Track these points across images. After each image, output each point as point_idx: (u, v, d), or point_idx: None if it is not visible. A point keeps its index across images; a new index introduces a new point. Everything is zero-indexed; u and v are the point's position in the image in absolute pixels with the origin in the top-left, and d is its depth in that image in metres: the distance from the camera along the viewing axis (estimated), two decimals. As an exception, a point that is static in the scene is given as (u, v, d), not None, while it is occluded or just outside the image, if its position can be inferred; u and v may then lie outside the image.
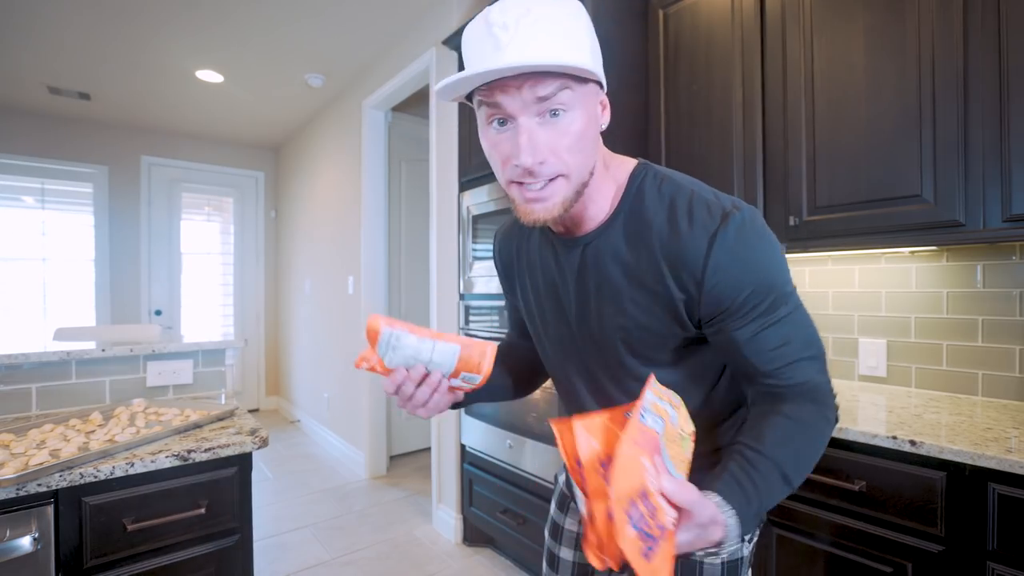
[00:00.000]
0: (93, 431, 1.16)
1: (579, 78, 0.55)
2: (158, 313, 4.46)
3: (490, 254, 2.13)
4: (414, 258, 3.71)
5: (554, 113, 0.55)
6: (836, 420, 0.62)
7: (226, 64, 3.18)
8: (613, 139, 1.76)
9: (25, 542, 0.93)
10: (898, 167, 1.30)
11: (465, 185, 2.34)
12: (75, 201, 4.13)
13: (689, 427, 0.57)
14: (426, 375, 0.63)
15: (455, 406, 0.72)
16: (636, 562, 0.42)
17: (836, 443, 1.17)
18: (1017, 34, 1.13)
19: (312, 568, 2.20)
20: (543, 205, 0.58)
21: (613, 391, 0.72)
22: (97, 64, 3.14)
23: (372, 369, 0.62)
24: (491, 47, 0.53)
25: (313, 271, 4.20)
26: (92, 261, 4.19)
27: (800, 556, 1.21)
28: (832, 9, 1.41)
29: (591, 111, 0.59)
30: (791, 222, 1.49)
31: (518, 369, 0.88)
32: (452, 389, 0.67)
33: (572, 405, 0.79)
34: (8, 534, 0.91)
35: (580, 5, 0.58)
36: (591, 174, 0.61)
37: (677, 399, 0.58)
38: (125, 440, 1.08)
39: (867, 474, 1.12)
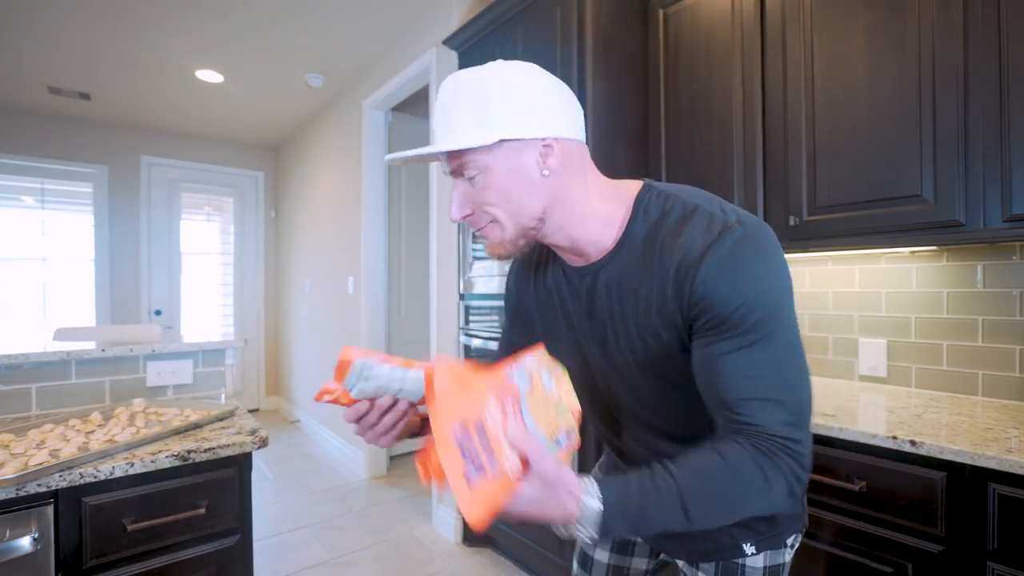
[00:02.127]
0: (93, 431, 1.16)
1: (491, 146, 0.61)
2: (158, 313, 4.46)
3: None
4: (414, 258, 3.71)
5: (471, 178, 0.63)
6: (786, 489, 0.55)
7: (226, 64, 3.18)
8: (614, 141, 1.76)
9: (25, 542, 0.93)
10: (898, 167, 1.30)
11: (465, 185, 2.34)
12: (75, 201, 4.13)
13: (569, 400, 0.61)
14: (393, 403, 0.63)
15: (414, 435, 0.71)
16: (454, 480, 0.45)
17: (836, 443, 1.17)
18: (1017, 33, 1.13)
19: (312, 568, 2.20)
20: (488, 243, 0.67)
21: (642, 413, 0.72)
22: (97, 64, 3.14)
23: (335, 401, 0.61)
24: (433, 131, 0.66)
25: (313, 271, 4.20)
26: (92, 261, 4.19)
27: (800, 556, 1.21)
28: (832, 8, 1.41)
29: (513, 164, 0.62)
30: (791, 222, 1.49)
31: None
32: (419, 415, 0.68)
33: (608, 431, 0.81)
34: (8, 534, 0.91)
35: (522, 69, 0.63)
36: (540, 219, 0.65)
37: (560, 371, 0.63)
38: (125, 440, 1.08)
39: (867, 474, 1.11)
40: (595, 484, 0.54)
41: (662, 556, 0.89)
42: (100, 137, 4.19)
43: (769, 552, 0.74)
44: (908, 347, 1.56)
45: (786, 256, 1.79)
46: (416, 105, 3.51)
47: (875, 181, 1.34)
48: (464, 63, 2.28)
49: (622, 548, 0.90)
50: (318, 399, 0.61)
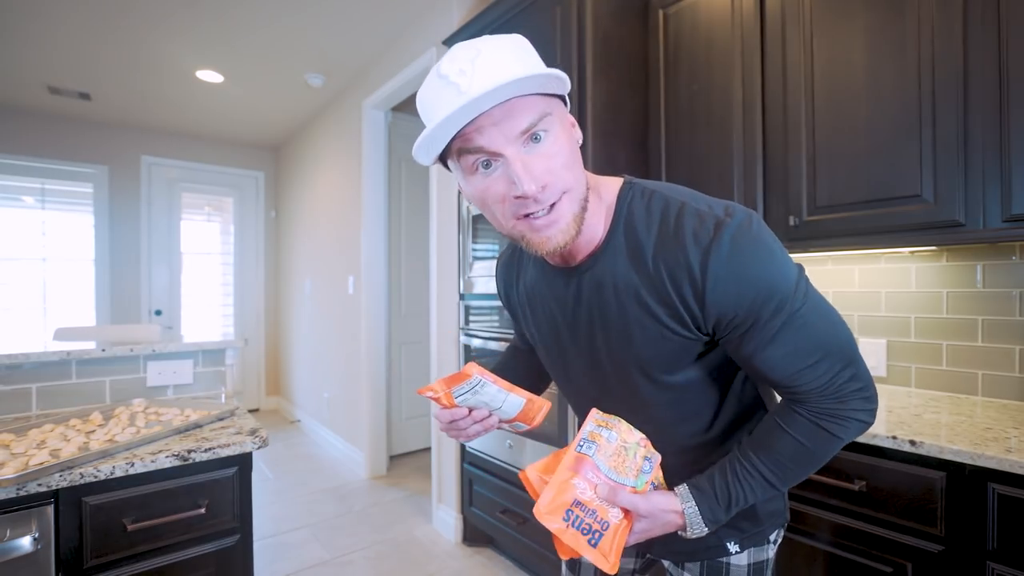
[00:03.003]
0: (93, 431, 1.16)
1: (549, 97, 0.55)
2: (158, 313, 4.46)
3: (490, 254, 2.13)
4: (414, 258, 3.71)
5: (535, 138, 0.54)
6: (861, 421, 0.62)
7: (226, 64, 3.18)
8: (613, 140, 1.76)
9: (25, 542, 0.93)
10: (898, 167, 1.30)
11: (465, 185, 2.34)
12: (75, 201, 4.13)
13: (631, 436, 0.68)
14: (487, 416, 0.70)
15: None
16: (583, 549, 0.59)
17: (836, 443, 1.17)
18: (1017, 33, 1.13)
19: (312, 568, 2.20)
20: (557, 228, 0.56)
21: (627, 415, 0.72)
22: (97, 64, 3.14)
23: (436, 400, 0.68)
24: (453, 94, 0.52)
25: (313, 271, 4.20)
26: (92, 261, 4.19)
27: (800, 556, 1.22)
28: (832, 9, 1.41)
29: (567, 127, 0.58)
30: (791, 222, 1.49)
31: (529, 377, 0.94)
32: (502, 423, 0.77)
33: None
34: (8, 534, 0.91)
35: (524, 38, 0.58)
36: (588, 189, 0.60)
37: (615, 420, 0.69)
38: (125, 440, 1.08)
39: (867, 474, 1.12)
40: (687, 490, 0.64)
41: (648, 555, 0.89)
42: (100, 137, 4.20)
43: (753, 549, 0.74)
44: (908, 347, 1.56)
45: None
46: (416, 105, 3.50)
47: (875, 181, 1.34)
48: (464, 63, 2.28)
49: None
50: (421, 392, 0.68)
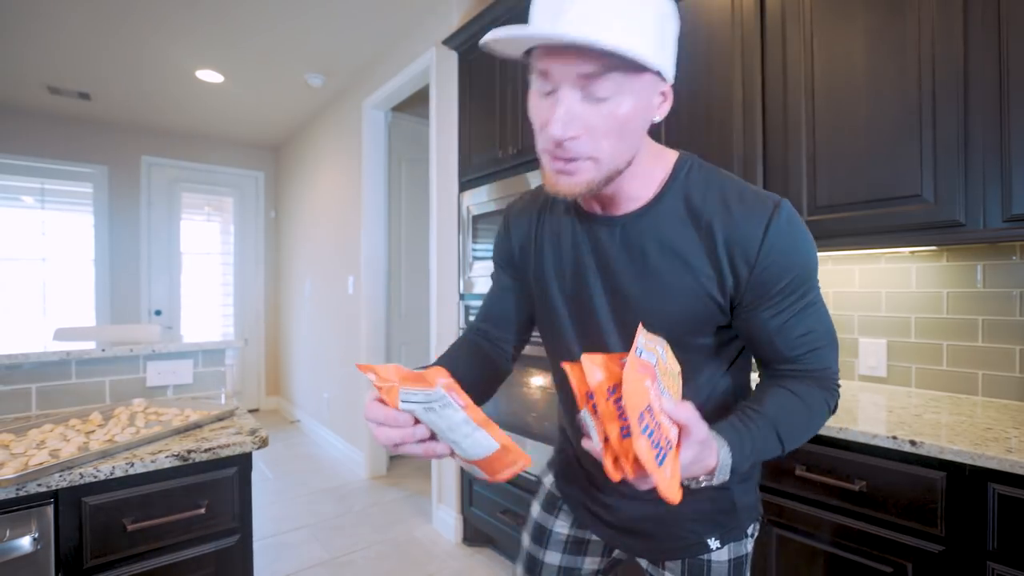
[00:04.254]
0: (93, 431, 1.16)
1: (632, 64, 0.53)
2: (158, 313, 4.46)
3: (490, 254, 2.13)
4: (414, 258, 3.71)
5: (599, 96, 0.53)
6: (834, 409, 0.68)
7: (226, 64, 3.18)
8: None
9: (25, 542, 0.93)
10: (898, 167, 1.30)
11: (465, 185, 2.34)
12: (75, 201, 4.13)
13: (676, 366, 0.61)
14: (429, 439, 0.55)
15: None
16: (651, 466, 0.47)
17: (836, 443, 1.17)
18: (1018, 34, 1.13)
19: (312, 568, 2.20)
20: (568, 180, 0.58)
21: None
22: (97, 64, 3.14)
23: (379, 389, 0.53)
24: (553, 11, 0.52)
25: (313, 271, 4.20)
26: (92, 261, 4.19)
27: (800, 556, 1.21)
28: (832, 9, 1.41)
29: (642, 100, 0.57)
30: (791, 222, 1.49)
31: (481, 384, 0.78)
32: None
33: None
34: (8, 534, 0.91)
35: None
36: (629, 164, 0.61)
37: (663, 342, 0.60)
38: (125, 440, 1.08)
39: (867, 474, 1.11)
40: (717, 434, 0.58)
41: (615, 554, 0.87)
42: (100, 137, 4.19)
43: (732, 545, 0.75)
44: (908, 347, 1.56)
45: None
46: (416, 105, 3.51)
47: (875, 181, 1.34)
48: (464, 63, 2.28)
49: (575, 548, 0.87)
50: (361, 369, 0.54)
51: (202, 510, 1.10)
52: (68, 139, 4.07)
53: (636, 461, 0.48)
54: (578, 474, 0.84)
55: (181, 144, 4.59)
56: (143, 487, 1.05)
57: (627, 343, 0.70)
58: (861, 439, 1.12)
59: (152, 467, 1.04)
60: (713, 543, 0.74)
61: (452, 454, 0.55)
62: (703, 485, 0.58)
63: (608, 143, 0.56)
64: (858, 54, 1.36)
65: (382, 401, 0.53)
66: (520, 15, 1.90)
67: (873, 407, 1.33)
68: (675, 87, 1.78)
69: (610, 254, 0.68)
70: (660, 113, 0.60)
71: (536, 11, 0.55)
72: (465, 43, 2.22)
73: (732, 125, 1.61)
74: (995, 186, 1.16)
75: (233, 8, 2.56)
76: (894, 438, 1.07)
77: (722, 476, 0.57)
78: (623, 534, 0.79)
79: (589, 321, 0.72)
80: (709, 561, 0.74)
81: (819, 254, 1.71)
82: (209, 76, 3.34)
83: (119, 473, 1.00)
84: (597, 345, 0.72)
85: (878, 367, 1.61)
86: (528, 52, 0.57)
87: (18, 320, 3.89)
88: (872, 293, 1.63)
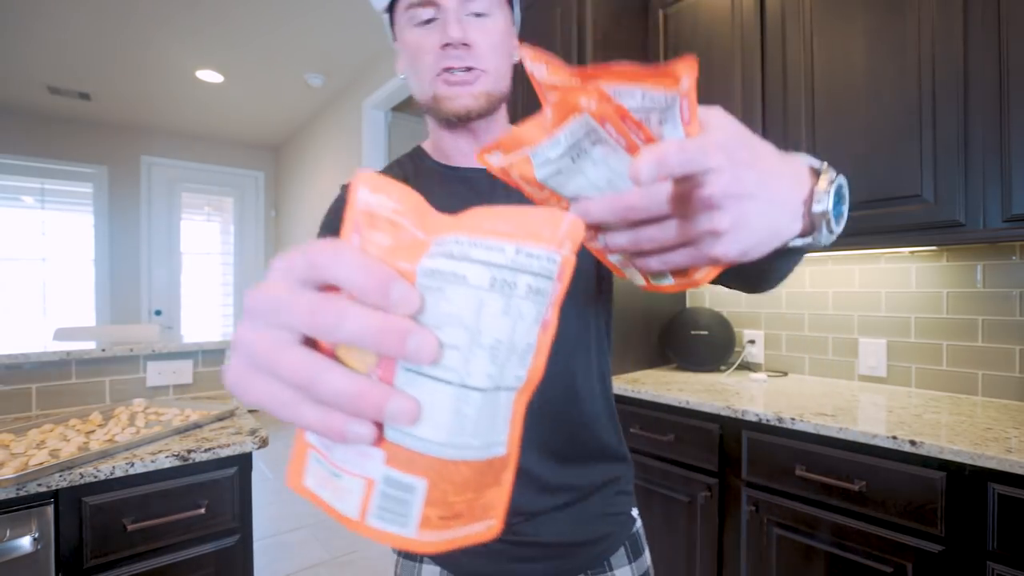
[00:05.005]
0: (93, 431, 1.16)
1: None
2: (158, 313, 4.46)
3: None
4: (414, 258, 3.71)
5: (478, 14, 0.58)
6: None
7: (226, 64, 3.18)
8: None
9: (25, 542, 0.93)
10: (898, 167, 1.30)
11: (465, 185, 2.33)
12: (75, 201, 4.13)
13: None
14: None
15: None
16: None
17: (836, 443, 1.17)
18: (1017, 34, 1.13)
19: (312, 568, 2.20)
20: (468, 90, 0.59)
21: None
22: (97, 64, 3.14)
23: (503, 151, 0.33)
24: None
25: (313, 271, 4.20)
26: (92, 261, 4.19)
27: (800, 556, 1.21)
28: (832, 9, 1.41)
29: (508, 27, 0.62)
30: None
31: None
32: None
33: None
34: (8, 534, 0.91)
35: None
36: (507, 94, 0.63)
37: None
38: (125, 440, 1.08)
39: (867, 474, 1.11)
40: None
41: None
42: (100, 137, 4.19)
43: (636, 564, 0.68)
44: (908, 347, 1.56)
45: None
46: (416, 105, 3.51)
47: (875, 181, 1.34)
48: (464, 63, 2.28)
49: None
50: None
51: (202, 510, 1.10)
52: (68, 139, 4.07)
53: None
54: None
55: (181, 144, 4.59)
56: (143, 487, 1.05)
57: None
58: (861, 439, 1.12)
59: (152, 467, 1.04)
60: (634, 512, 0.70)
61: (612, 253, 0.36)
62: (821, 208, 0.34)
63: (493, 58, 0.59)
64: (858, 54, 1.36)
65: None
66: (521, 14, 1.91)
67: (873, 407, 1.33)
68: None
69: (496, 194, 0.64)
70: (516, 53, 0.64)
71: None
72: (465, 43, 2.22)
73: (732, 125, 1.61)
74: (995, 186, 1.16)
75: (233, 8, 2.56)
76: (894, 438, 1.07)
77: (833, 193, 0.34)
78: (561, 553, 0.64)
79: None
80: (636, 533, 0.69)
81: (819, 254, 1.71)
82: (209, 76, 3.34)
83: (119, 473, 1.00)
84: None
85: (878, 367, 1.61)
86: (392, 5, 0.62)
87: (18, 320, 3.89)
88: (872, 293, 1.63)
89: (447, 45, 0.57)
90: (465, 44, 0.57)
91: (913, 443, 1.04)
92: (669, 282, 0.36)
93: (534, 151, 0.32)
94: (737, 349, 1.93)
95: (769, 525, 1.27)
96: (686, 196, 0.29)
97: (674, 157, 0.26)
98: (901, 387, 1.57)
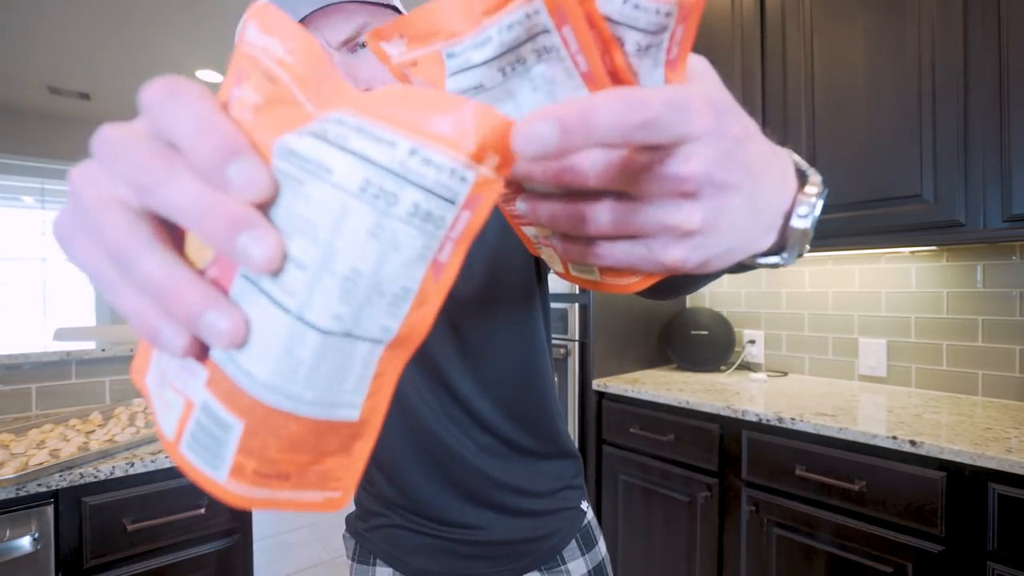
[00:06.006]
0: (93, 431, 1.16)
1: (375, 6, 0.51)
2: (158, 313, 4.46)
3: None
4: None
5: (363, 46, 0.51)
6: None
7: (226, 63, 3.17)
8: (613, 139, 1.76)
9: (25, 542, 0.93)
10: (898, 167, 1.30)
11: (465, 185, 2.33)
12: (75, 201, 4.14)
13: None
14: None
15: None
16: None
17: (836, 443, 1.17)
18: (1017, 34, 1.13)
19: (312, 568, 2.20)
20: None
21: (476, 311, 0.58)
22: (97, 64, 3.14)
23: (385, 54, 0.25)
24: None
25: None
26: (92, 261, 4.20)
27: (800, 556, 1.21)
28: (832, 10, 1.41)
29: None
30: (791, 222, 1.49)
31: None
32: None
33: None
34: (8, 534, 0.91)
35: None
36: None
37: None
38: (125, 440, 1.08)
39: (867, 474, 1.11)
40: None
41: None
42: (100, 137, 4.20)
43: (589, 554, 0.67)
44: (908, 347, 1.56)
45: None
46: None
47: (875, 181, 1.34)
48: (464, 63, 2.28)
49: None
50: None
51: (202, 510, 1.10)
52: (68, 139, 4.07)
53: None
54: (421, 525, 0.62)
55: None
56: (143, 487, 1.05)
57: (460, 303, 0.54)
58: (861, 439, 1.12)
59: (152, 467, 1.04)
60: (583, 504, 0.67)
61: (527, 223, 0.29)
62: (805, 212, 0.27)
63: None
64: (858, 54, 1.36)
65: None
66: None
67: (873, 407, 1.33)
68: (675, 87, 1.77)
69: None
70: None
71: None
72: (465, 43, 2.22)
73: (732, 125, 1.61)
74: (995, 186, 1.16)
75: (233, 7, 2.56)
76: (894, 438, 1.07)
77: (816, 192, 0.27)
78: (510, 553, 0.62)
79: None
80: (588, 524, 0.68)
81: (819, 254, 1.71)
82: (209, 76, 3.34)
83: (119, 473, 1.00)
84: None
85: (878, 367, 1.61)
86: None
87: (18, 320, 3.89)
88: (872, 293, 1.63)
89: None
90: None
91: (913, 443, 1.04)
92: (593, 278, 0.28)
93: (450, 47, 0.22)
94: (737, 349, 1.93)
95: (769, 525, 1.27)
96: (647, 168, 0.20)
97: (650, 110, 0.18)
98: (901, 387, 1.57)
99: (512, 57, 0.21)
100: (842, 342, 1.70)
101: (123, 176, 0.16)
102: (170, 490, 1.08)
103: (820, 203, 0.27)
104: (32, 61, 3.07)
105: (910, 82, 1.27)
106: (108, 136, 0.17)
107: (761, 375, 1.73)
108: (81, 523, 0.99)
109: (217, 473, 0.19)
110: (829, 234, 1.42)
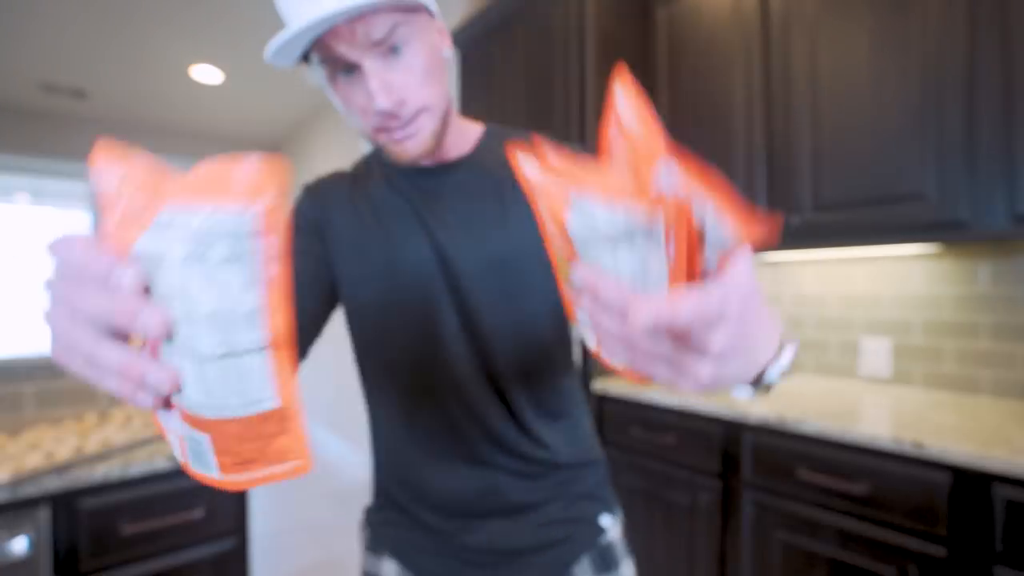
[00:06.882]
0: (89, 433, 1.14)
1: (408, 10, 0.52)
2: (155, 312, 4.44)
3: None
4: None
5: (395, 50, 0.52)
6: None
7: (225, 62, 3.16)
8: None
9: (20, 546, 0.91)
10: (902, 166, 1.29)
11: (465, 184, 2.32)
12: (70, 200, 4.11)
13: None
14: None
15: None
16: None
17: (839, 445, 1.16)
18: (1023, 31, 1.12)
19: (311, 569, 2.19)
20: (414, 141, 0.56)
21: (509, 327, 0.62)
22: (92, 61, 3.11)
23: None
24: (310, 2, 0.49)
25: (311, 270, 4.19)
26: (89, 260, 4.17)
27: (803, 559, 1.21)
28: (836, 9, 1.40)
29: (430, 41, 0.56)
30: (794, 221, 1.48)
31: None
32: None
33: (419, 368, 0.63)
34: (2, 537, 0.90)
35: None
36: (449, 104, 0.61)
37: None
38: (121, 442, 1.07)
39: (870, 476, 1.11)
40: None
41: None
42: (95, 135, 4.17)
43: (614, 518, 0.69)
44: (911, 347, 1.55)
45: (789, 255, 1.79)
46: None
47: (879, 180, 1.33)
48: (464, 63, 2.27)
49: None
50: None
51: (200, 513, 1.09)
52: (63, 137, 4.04)
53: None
54: (426, 524, 0.65)
55: (178, 142, 4.56)
56: (139, 490, 1.04)
57: (475, 301, 0.60)
58: (864, 441, 1.11)
59: (148, 470, 1.02)
60: (604, 520, 0.67)
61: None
62: (780, 366, 0.37)
63: (426, 90, 0.55)
64: (862, 53, 1.35)
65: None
66: (519, 16, 1.89)
67: (876, 408, 1.32)
68: (676, 87, 1.77)
69: (446, 202, 0.63)
70: (446, 48, 0.60)
71: (292, 8, 0.51)
72: (465, 43, 2.21)
73: (734, 125, 1.60)
74: (1000, 185, 1.15)
75: (232, 5, 2.54)
76: (897, 440, 1.06)
77: (787, 358, 0.37)
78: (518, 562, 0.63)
79: (427, 284, 0.62)
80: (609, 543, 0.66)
81: (822, 253, 1.70)
82: (207, 73, 3.32)
83: (115, 476, 0.99)
84: (440, 313, 0.62)
85: (881, 368, 1.60)
86: (305, 55, 0.54)
87: (12, 320, 3.87)
88: (875, 293, 1.63)
89: (379, 112, 0.53)
90: (400, 101, 0.53)
91: (917, 445, 1.04)
92: (621, 366, 0.32)
93: (581, 203, 0.27)
94: (738, 349, 1.92)
95: (771, 528, 1.26)
96: (681, 333, 0.27)
97: (706, 315, 0.25)
98: (904, 388, 1.56)
99: (627, 235, 0.27)
100: (844, 343, 1.69)
101: (74, 311, 0.24)
102: (167, 493, 1.06)
103: (789, 366, 0.38)
104: (26, 58, 3.05)
105: (914, 81, 1.26)
106: (60, 265, 0.24)
107: (762, 375, 1.72)
108: (77, 526, 0.97)
109: (214, 473, 0.28)
110: (833, 233, 1.41)
